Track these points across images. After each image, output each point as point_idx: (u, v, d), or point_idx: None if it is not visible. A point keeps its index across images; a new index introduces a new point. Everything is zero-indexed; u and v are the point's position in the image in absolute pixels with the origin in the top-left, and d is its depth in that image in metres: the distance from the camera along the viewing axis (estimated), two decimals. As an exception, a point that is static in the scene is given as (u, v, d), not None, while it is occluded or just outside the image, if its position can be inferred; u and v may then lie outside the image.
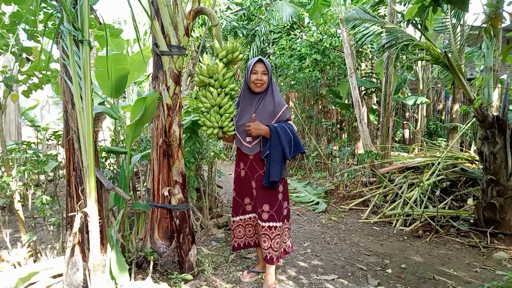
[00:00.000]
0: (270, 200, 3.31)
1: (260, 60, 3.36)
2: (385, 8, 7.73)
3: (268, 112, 3.33)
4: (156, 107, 3.50)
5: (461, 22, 5.78)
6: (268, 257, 3.29)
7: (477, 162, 6.56)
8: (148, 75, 7.91)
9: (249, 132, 3.25)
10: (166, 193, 3.47)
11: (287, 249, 3.53)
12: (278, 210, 3.31)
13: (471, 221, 5.24)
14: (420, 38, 7.35)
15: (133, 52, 10.16)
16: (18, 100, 8.01)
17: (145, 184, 4.85)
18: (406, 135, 14.07)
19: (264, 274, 3.58)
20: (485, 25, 3.56)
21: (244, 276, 3.56)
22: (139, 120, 3.53)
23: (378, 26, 6.26)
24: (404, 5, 6.01)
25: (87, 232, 2.84)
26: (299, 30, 11.33)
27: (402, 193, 6.06)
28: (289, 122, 3.39)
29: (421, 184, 5.85)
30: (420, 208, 5.52)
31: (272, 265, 3.37)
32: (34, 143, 6.05)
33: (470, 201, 5.76)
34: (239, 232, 3.54)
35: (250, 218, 3.50)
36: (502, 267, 3.99)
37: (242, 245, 3.56)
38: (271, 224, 3.28)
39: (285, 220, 3.47)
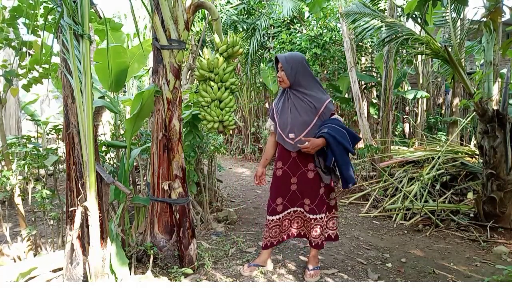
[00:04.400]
0: (310, 195, 3.39)
1: (275, 58, 3.40)
2: (385, 2, 7.70)
3: (309, 107, 3.29)
4: (154, 101, 3.49)
5: (461, 16, 5.76)
6: (313, 244, 3.45)
7: (477, 156, 6.56)
8: (148, 69, 7.89)
9: (309, 152, 3.22)
10: (166, 187, 3.47)
11: (332, 236, 3.66)
12: (319, 203, 3.37)
13: (471, 215, 5.25)
14: (420, 32, 7.35)
15: (133, 46, 10.15)
16: (18, 94, 8.00)
17: (145, 178, 4.85)
18: (406, 129, 14.06)
19: (263, 268, 3.65)
20: (485, 19, 3.54)
21: (244, 270, 3.57)
22: (138, 114, 3.53)
23: (378, 20, 6.24)
24: (404, -1, 6.01)
25: (87, 226, 2.85)
26: (299, 24, 11.28)
27: (402, 187, 6.06)
28: (334, 117, 3.36)
29: (421, 178, 5.86)
30: (420, 202, 5.52)
31: (315, 249, 3.55)
32: (34, 137, 6.05)
33: (470, 195, 5.76)
34: (275, 232, 3.53)
35: (289, 213, 3.54)
36: (502, 261, 4.00)
37: (275, 243, 3.59)
38: (311, 216, 3.39)
39: (333, 210, 3.62)
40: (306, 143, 3.15)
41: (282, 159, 3.44)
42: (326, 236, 3.59)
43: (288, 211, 3.51)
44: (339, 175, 3.35)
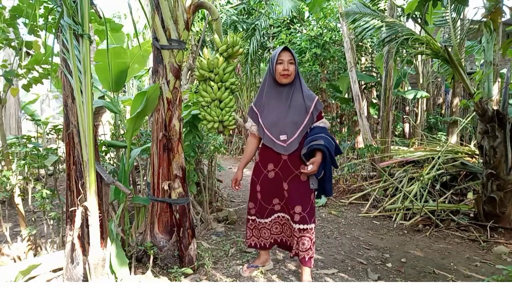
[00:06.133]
0: (303, 201, 3.18)
1: (285, 49, 3.16)
2: (385, 2, 7.70)
3: (300, 107, 3.16)
4: (157, 99, 3.49)
5: (461, 16, 5.76)
6: (302, 258, 3.21)
7: (477, 156, 6.56)
8: (148, 69, 7.90)
9: (313, 173, 3.07)
10: (166, 187, 3.47)
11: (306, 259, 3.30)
12: (310, 211, 3.19)
13: (471, 215, 5.25)
14: (420, 32, 7.34)
15: (133, 46, 10.16)
16: (18, 94, 8.01)
17: (145, 178, 4.85)
18: (406, 129, 14.05)
19: (262, 268, 3.60)
20: (485, 19, 3.55)
21: (244, 271, 3.56)
22: (138, 113, 3.53)
23: (378, 20, 6.24)
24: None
25: (87, 226, 2.85)
26: (299, 24, 11.29)
27: (402, 187, 6.06)
28: (322, 124, 3.24)
29: (421, 178, 5.86)
30: (420, 202, 5.52)
31: (307, 267, 3.28)
32: (34, 137, 6.05)
33: (470, 195, 5.76)
34: (265, 234, 3.44)
35: (278, 217, 3.40)
36: (502, 261, 4.00)
37: (264, 246, 3.49)
38: (301, 226, 3.17)
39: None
40: (310, 166, 3.03)
41: (273, 161, 3.24)
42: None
43: (283, 215, 3.37)
44: (322, 186, 3.25)
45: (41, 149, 3.98)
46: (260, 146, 3.40)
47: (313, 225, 3.21)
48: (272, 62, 3.20)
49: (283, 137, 3.15)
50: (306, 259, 3.20)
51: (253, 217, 3.45)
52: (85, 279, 2.91)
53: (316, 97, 3.23)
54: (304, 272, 3.30)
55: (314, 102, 3.19)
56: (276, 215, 3.40)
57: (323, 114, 3.30)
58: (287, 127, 3.15)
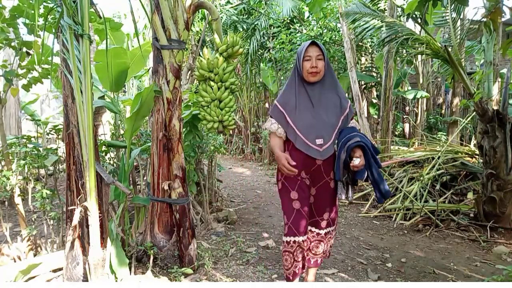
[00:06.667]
0: (331, 208, 2.96)
1: (313, 43, 2.81)
2: (385, 2, 7.70)
3: (335, 107, 2.87)
4: (154, 101, 3.49)
5: (461, 16, 5.76)
6: (319, 261, 3.07)
7: (477, 156, 6.56)
8: (148, 69, 7.89)
9: (360, 168, 2.72)
10: (166, 187, 3.47)
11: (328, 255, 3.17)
12: (334, 216, 3.01)
13: (471, 215, 5.25)
14: (420, 32, 7.34)
15: (133, 46, 10.15)
16: (18, 94, 8.01)
17: (145, 178, 4.85)
18: (406, 129, 14.07)
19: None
20: (485, 19, 3.55)
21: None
22: (137, 113, 3.53)
23: (378, 20, 6.24)
24: (405, -1, 6.01)
25: (87, 226, 2.85)
26: (299, 24, 11.29)
27: (402, 187, 6.06)
28: (353, 125, 2.98)
29: (421, 178, 5.85)
30: (420, 202, 5.52)
31: (315, 268, 3.15)
32: (34, 137, 6.05)
33: (470, 195, 5.76)
34: (301, 253, 2.93)
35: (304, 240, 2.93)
36: (502, 261, 4.00)
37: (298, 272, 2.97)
38: (327, 230, 2.99)
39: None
40: (357, 160, 2.69)
41: (305, 168, 2.87)
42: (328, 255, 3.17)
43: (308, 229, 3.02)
44: (376, 189, 2.83)
45: (41, 149, 3.98)
46: (288, 149, 2.94)
47: (335, 226, 3.06)
48: (298, 58, 2.85)
49: (319, 141, 2.79)
50: (318, 261, 3.07)
51: (290, 238, 2.90)
52: (85, 279, 2.91)
53: (349, 101, 2.97)
54: (310, 273, 3.16)
55: (349, 104, 2.94)
56: (303, 237, 2.90)
57: (354, 121, 3.05)
58: (323, 130, 2.81)
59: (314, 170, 2.87)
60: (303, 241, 2.87)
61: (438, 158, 6.28)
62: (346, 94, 10.21)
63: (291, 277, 2.93)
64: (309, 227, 2.99)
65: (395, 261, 4.00)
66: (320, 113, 2.82)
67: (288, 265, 2.91)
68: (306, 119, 2.82)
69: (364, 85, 10.51)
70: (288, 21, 11.07)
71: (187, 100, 5.15)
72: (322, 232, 2.98)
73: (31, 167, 3.86)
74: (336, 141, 2.88)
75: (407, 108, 14.43)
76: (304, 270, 3.09)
